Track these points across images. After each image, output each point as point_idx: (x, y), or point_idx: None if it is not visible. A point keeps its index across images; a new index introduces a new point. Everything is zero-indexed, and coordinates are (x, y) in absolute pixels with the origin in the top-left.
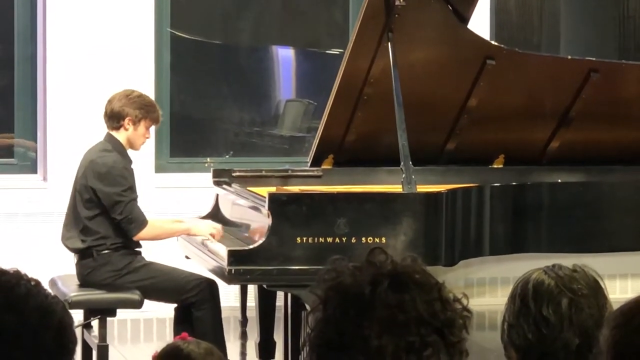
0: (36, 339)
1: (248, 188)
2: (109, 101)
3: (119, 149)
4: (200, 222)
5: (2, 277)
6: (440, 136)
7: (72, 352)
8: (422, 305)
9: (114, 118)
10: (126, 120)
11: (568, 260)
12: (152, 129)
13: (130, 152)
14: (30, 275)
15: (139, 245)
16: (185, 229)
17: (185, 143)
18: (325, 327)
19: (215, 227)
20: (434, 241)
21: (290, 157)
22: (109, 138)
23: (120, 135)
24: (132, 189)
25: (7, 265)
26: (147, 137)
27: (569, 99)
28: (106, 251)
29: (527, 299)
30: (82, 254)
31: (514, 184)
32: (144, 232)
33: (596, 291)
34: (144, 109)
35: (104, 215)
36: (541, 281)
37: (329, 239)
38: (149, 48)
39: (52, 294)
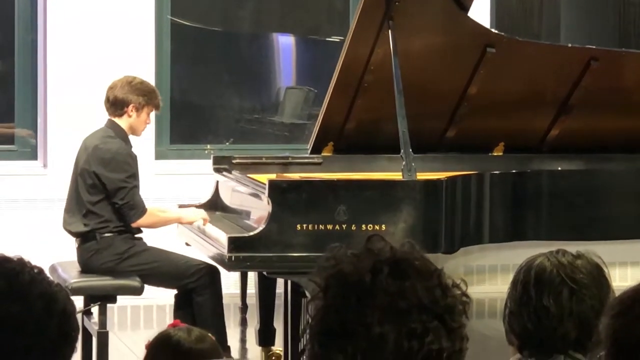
0: (40, 327)
1: (248, 175)
2: (111, 88)
3: (122, 135)
4: (189, 210)
5: (6, 265)
6: (441, 124)
7: (75, 339)
8: (423, 292)
9: (117, 105)
10: (130, 107)
11: (568, 248)
12: (152, 114)
13: (130, 138)
14: (33, 263)
15: (140, 231)
16: (177, 217)
17: (185, 130)
18: (326, 315)
19: (203, 214)
20: (433, 228)
21: (291, 144)
22: (111, 124)
23: (123, 122)
24: (135, 176)
25: (8, 252)
26: (148, 123)
27: (569, 87)
28: (109, 234)
29: (528, 287)
30: (84, 238)
31: (513, 171)
32: (142, 220)
33: (598, 281)
34: (147, 96)
35: (107, 199)
36: (543, 268)
37: (329, 226)
38: (150, 35)
39: (56, 281)
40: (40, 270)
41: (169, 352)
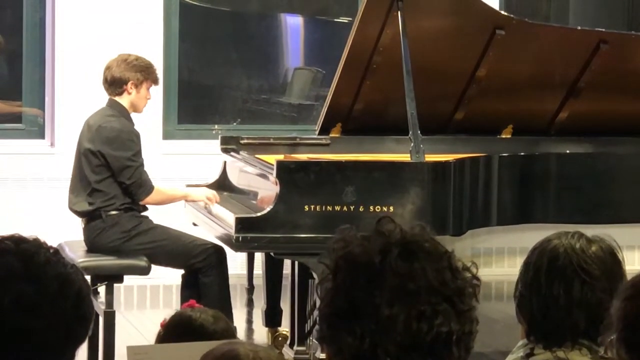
0: (55, 309)
1: (256, 155)
2: (107, 68)
3: (124, 114)
4: (197, 188)
5: (22, 245)
6: (449, 105)
7: (90, 321)
8: (432, 274)
9: (115, 84)
10: (129, 85)
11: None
12: (160, 93)
13: (136, 117)
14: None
15: (146, 209)
16: (184, 194)
17: (193, 110)
18: (335, 296)
19: (211, 192)
20: (441, 211)
21: (298, 125)
22: (112, 104)
23: (124, 100)
24: (139, 153)
25: (19, 232)
26: (149, 99)
27: (578, 70)
28: (115, 212)
29: (540, 272)
30: (90, 217)
31: (522, 154)
32: (150, 197)
33: (611, 272)
34: (144, 71)
35: (113, 177)
36: (556, 255)
37: (337, 208)
38: (158, 14)
39: (71, 262)
40: (56, 251)
41: (185, 331)
